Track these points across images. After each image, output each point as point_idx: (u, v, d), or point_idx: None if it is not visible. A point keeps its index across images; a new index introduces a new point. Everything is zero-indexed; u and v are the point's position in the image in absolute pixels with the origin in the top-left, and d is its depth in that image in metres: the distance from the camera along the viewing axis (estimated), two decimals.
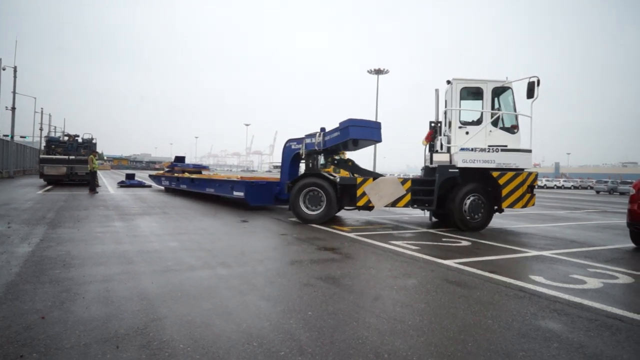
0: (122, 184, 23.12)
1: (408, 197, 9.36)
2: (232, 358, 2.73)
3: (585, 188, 59.08)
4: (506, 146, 9.15)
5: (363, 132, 10.21)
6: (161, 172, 25.39)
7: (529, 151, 9.25)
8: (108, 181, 28.24)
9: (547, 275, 5.16)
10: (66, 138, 26.82)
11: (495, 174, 8.98)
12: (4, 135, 31.53)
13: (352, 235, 7.97)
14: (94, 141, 26.14)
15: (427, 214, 11.21)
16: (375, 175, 10.64)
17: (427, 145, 10.37)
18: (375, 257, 6.06)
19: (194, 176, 16.91)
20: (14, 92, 31.90)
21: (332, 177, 10.26)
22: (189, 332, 3.10)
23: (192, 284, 4.39)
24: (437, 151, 9.81)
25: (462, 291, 4.41)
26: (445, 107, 9.81)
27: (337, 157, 11.77)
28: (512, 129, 9.37)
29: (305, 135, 11.17)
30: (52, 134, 29.49)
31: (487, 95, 9.32)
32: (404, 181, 9.47)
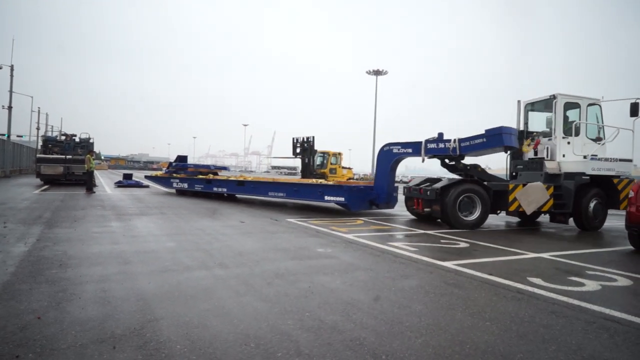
0: (119, 184, 23.03)
1: (551, 202, 10.14)
2: (229, 359, 2.71)
3: None
4: (596, 155, 10.49)
5: (512, 139, 10.14)
6: (160, 173, 23.25)
7: (631, 160, 10.88)
8: (105, 181, 28.15)
9: (545, 277, 5.16)
10: (63, 137, 26.76)
11: (615, 180, 10.59)
12: (0, 135, 31.44)
13: (350, 236, 7.96)
14: (91, 141, 26.07)
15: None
16: (499, 180, 10.96)
17: (510, 153, 11.44)
18: (373, 258, 6.05)
19: (241, 178, 15.93)
20: (11, 91, 31.86)
21: (485, 183, 10.33)
22: (185, 333, 3.08)
23: (189, 284, 4.37)
24: (542, 159, 10.79)
25: (460, 293, 4.40)
26: (554, 118, 10.75)
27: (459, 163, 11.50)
28: (598, 140, 10.96)
29: (426, 140, 11.03)
30: (49, 134, 29.40)
31: (583, 110, 10.86)
32: (547, 187, 10.09)
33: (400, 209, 13.01)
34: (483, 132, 10.11)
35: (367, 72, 52.04)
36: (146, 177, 23.58)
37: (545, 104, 11.34)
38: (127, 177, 24.88)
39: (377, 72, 51.44)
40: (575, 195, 10.22)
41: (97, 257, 5.47)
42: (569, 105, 10.89)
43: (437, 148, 10.84)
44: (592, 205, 10.43)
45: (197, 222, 9.38)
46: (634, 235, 7.52)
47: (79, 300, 3.73)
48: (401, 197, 12.23)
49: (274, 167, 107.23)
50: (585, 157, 10.43)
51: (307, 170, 20.70)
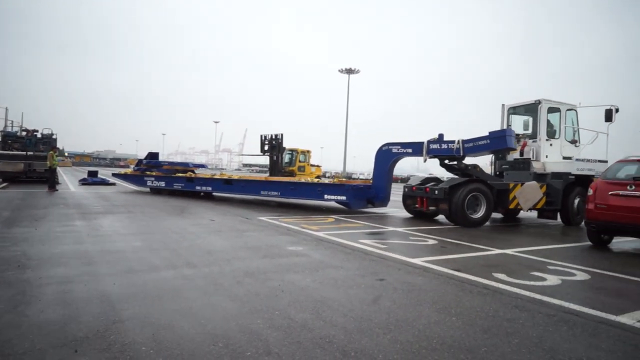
0: (84, 182, 22.30)
1: (544, 200, 10.86)
2: (196, 359, 2.67)
3: None
4: (572, 157, 11.55)
5: (513, 141, 10.68)
6: (130, 170, 21.54)
7: (606, 161, 11.49)
8: (69, 178, 27.20)
9: (509, 273, 5.32)
10: (24, 133, 25.65)
11: (595, 179, 11.39)
12: None
13: (321, 234, 7.97)
14: (54, 137, 25.07)
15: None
16: (494, 179, 11.41)
17: (494, 154, 12.20)
18: (344, 256, 6.08)
19: (236, 177, 15.54)
20: None
21: (489, 183, 10.77)
22: (152, 334, 3.01)
23: (156, 284, 4.27)
24: (529, 159, 11.52)
25: (428, 289, 4.48)
26: (539, 121, 11.52)
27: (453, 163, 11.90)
28: (574, 143, 11.94)
29: (428, 141, 11.35)
30: (9, 129, 28.13)
31: (563, 115, 11.69)
32: (541, 186, 10.78)
33: (387, 209, 13.12)
34: (487, 134, 10.61)
35: (339, 71, 52.29)
36: (114, 175, 21.92)
37: (526, 108, 12.17)
38: (93, 174, 24.11)
39: (350, 71, 51.75)
40: (562, 194, 11.04)
41: (59, 257, 5.27)
42: (551, 110, 11.63)
43: (440, 148, 11.18)
44: (576, 202, 11.25)
45: (165, 220, 9.19)
46: (592, 231, 7.85)
47: (38, 302, 3.59)
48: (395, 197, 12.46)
49: (245, 165, 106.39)
50: (569, 158, 11.54)
51: (276, 168, 20.54)
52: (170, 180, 16.65)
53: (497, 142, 10.44)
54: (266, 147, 20.89)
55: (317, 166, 27.63)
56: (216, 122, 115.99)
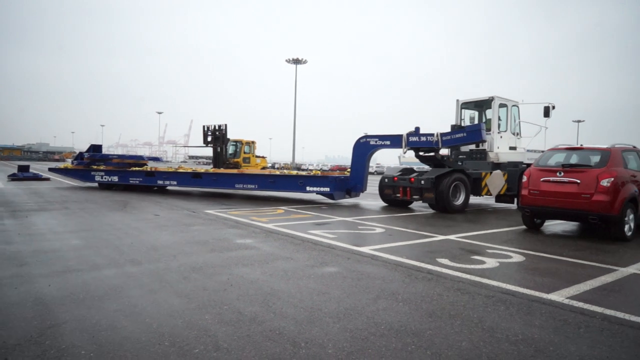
0: (13, 177, 20.75)
1: (505, 186, 12.04)
2: None
3: None
4: (516, 148, 12.99)
5: (484, 134, 11.51)
6: (69, 165, 19.17)
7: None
8: None
9: (451, 257, 5.56)
10: None
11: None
12: None
13: (270, 226, 7.93)
14: None
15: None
16: (457, 167, 11.95)
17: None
18: (293, 247, 6.09)
19: (212, 171, 14.96)
20: None
21: (467, 172, 11.69)
22: (92, 337, 2.86)
23: (97, 284, 4.07)
24: (485, 150, 12.61)
25: (376, 277, 4.59)
26: (493, 116, 12.69)
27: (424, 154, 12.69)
28: (517, 135, 13.27)
29: (407, 134, 11.94)
30: None
31: (509, 110, 12.93)
32: (504, 174, 12.06)
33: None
34: (468, 126, 12.00)
35: (286, 61, 51.87)
36: (52, 170, 19.25)
37: (476, 104, 13.35)
38: (23, 169, 22.42)
39: (297, 61, 51.47)
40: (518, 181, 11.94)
41: None
42: (500, 105, 12.84)
43: (419, 141, 11.86)
44: None
45: (106, 216, 8.76)
46: (527, 215, 8.36)
47: None
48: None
49: (191, 157, 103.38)
50: (514, 148, 13.01)
51: (220, 159, 20.07)
52: (125, 175, 15.64)
53: (473, 136, 11.35)
54: (209, 138, 20.32)
55: (263, 157, 27.28)
56: (159, 113, 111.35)
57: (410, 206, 12.39)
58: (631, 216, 7.40)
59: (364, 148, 12.56)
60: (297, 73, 51.50)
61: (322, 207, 11.56)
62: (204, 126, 20.62)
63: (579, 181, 7.34)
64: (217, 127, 20.17)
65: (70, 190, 15.12)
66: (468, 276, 4.67)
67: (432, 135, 11.61)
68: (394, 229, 7.95)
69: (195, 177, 14.51)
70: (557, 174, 7.65)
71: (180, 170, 15.31)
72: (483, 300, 3.87)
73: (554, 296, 4.04)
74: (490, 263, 5.34)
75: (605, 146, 7.81)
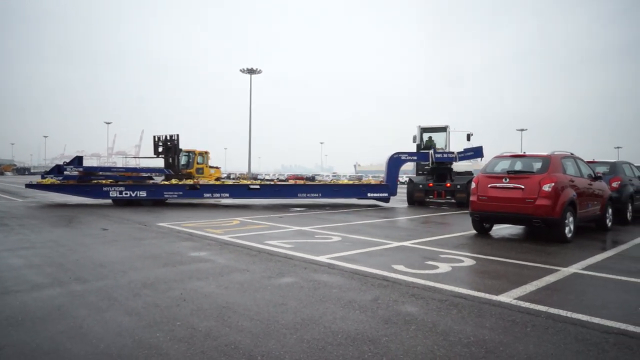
0: None
1: None
2: None
3: None
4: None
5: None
6: (53, 180, 14.85)
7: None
8: None
9: (406, 264, 5.67)
10: None
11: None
12: None
13: (225, 237, 7.78)
14: None
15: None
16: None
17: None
18: (249, 258, 6.00)
19: (280, 183, 17.37)
20: None
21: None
22: None
23: (38, 305, 3.82)
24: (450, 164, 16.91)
25: (333, 285, 4.60)
26: (447, 139, 17.73)
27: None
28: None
29: (434, 151, 16.43)
30: None
31: (447, 134, 17.71)
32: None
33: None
34: (473, 147, 16.79)
35: (240, 71, 51.44)
36: (30, 186, 15.25)
37: (433, 129, 18.23)
38: None
39: (251, 71, 51.16)
40: None
41: None
42: (444, 130, 17.83)
43: (442, 157, 16.33)
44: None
45: (49, 232, 8.27)
46: (476, 220, 8.69)
47: None
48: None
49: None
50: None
51: (172, 170, 19.52)
52: (158, 189, 14.63)
53: (478, 153, 16.67)
54: (160, 149, 19.72)
55: (217, 168, 26.84)
56: (108, 123, 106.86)
57: (368, 216, 12.58)
58: (571, 219, 7.86)
59: (396, 162, 16.30)
60: (251, 83, 51.16)
61: (277, 218, 11.49)
62: (154, 136, 19.97)
63: (523, 187, 7.72)
64: (168, 138, 19.60)
65: (6, 206, 14.16)
66: (422, 281, 4.78)
67: (452, 153, 16.44)
68: (350, 237, 8.01)
69: (250, 190, 15.34)
70: (503, 180, 8.01)
71: (229, 183, 16.48)
72: (437, 305, 3.96)
73: (503, 297, 4.21)
74: (443, 268, 5.49)
75: (545, 153, 8.28)
